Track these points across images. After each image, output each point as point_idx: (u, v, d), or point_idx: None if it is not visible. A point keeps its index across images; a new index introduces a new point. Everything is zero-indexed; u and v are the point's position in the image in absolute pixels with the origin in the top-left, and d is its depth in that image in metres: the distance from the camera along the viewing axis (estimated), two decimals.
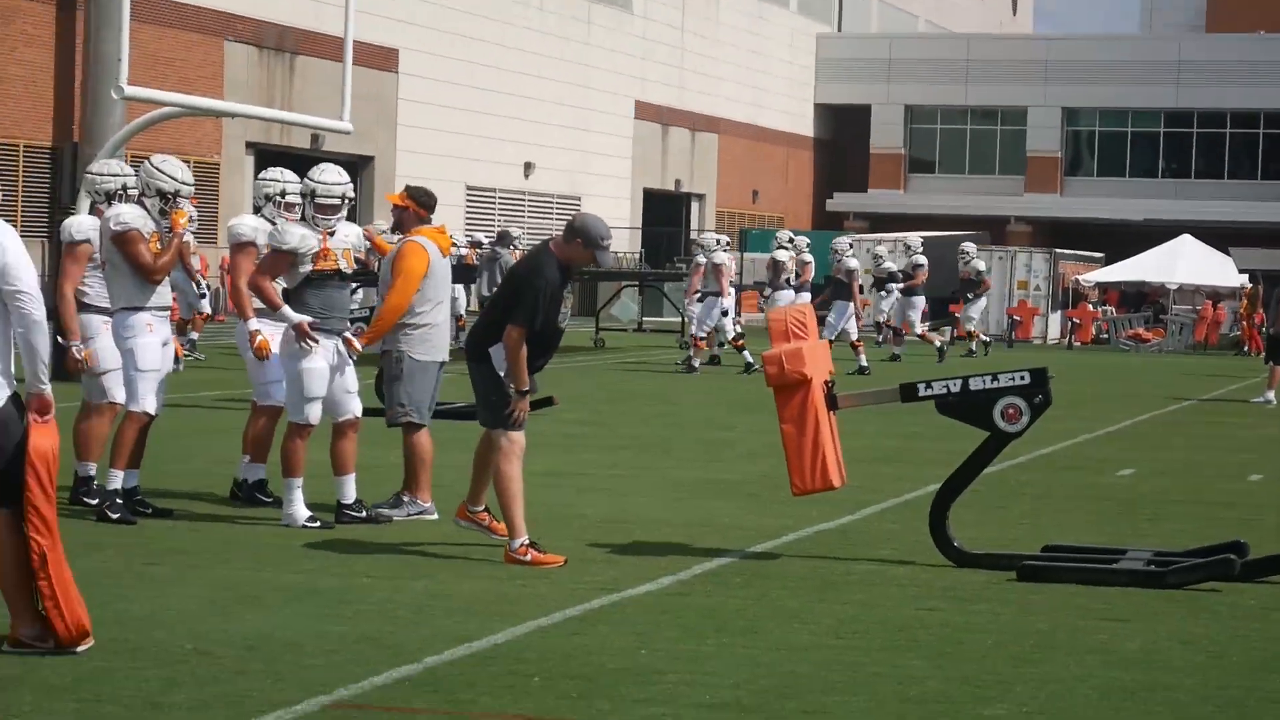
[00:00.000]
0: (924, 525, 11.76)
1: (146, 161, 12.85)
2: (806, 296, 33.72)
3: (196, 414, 20.34)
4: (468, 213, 53.13)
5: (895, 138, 75.19)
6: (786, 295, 32.24)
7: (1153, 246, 56.33)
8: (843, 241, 35.69)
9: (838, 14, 78.90)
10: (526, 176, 56.95)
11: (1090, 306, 52.32)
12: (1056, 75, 72.82)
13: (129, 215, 12.45)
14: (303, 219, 12.51)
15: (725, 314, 31.15)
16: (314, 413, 12.42)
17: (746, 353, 30.20)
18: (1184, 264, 55.25)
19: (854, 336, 33.11)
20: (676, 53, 65.76)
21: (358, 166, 49.52)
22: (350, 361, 12.57)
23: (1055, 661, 8.84)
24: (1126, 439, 21.01)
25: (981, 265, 41.79)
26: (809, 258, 34.15)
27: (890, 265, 38.24)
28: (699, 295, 30.98)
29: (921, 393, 11.68)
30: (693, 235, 65.04)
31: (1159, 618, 9.94)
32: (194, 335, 29.95)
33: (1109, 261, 57.44)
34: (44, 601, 8.24)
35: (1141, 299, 58.20)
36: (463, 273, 32.63)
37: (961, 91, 74.22)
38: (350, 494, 12.59)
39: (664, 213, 65.90)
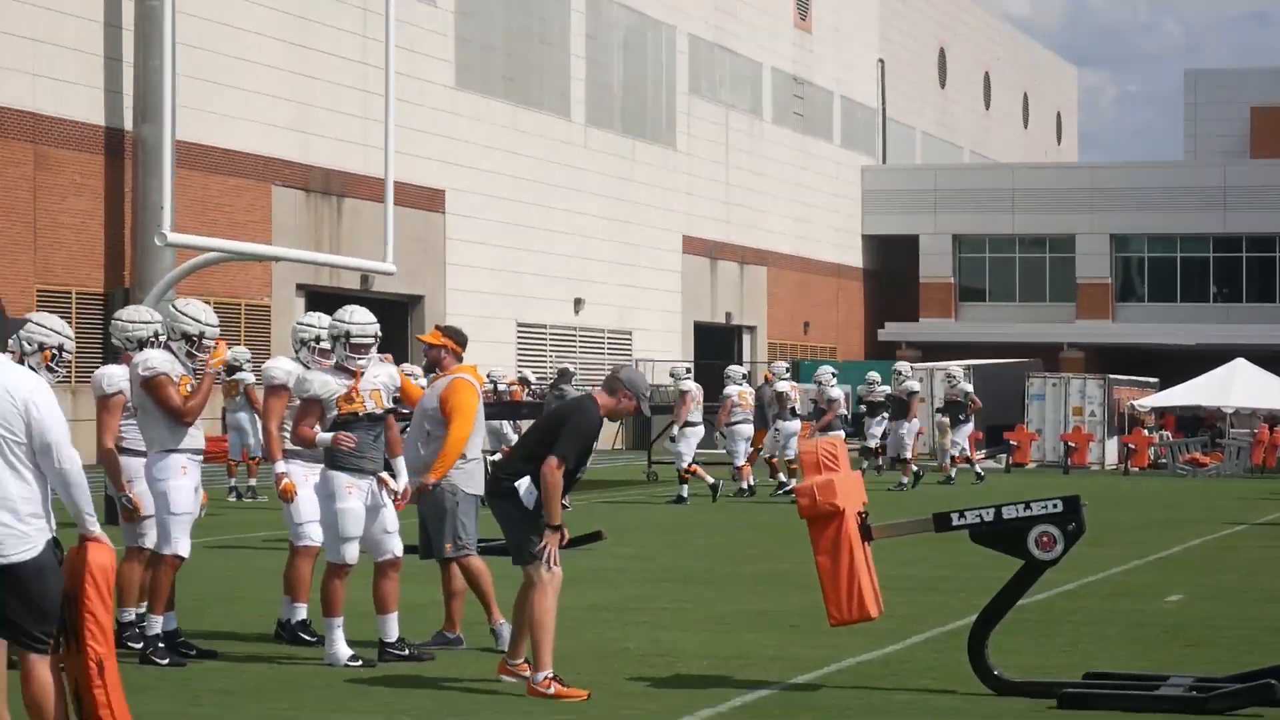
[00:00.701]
0: (966, 654, 11.75)
1: (170, 305, 13.02)
2: (839, 432, 33.98)
3: (245, 554, 20.45)
4: (519, 349, 53.41)
5: (944, 267, 75.38)
6: (791, 426, 33.16)
7: (1206, 371, 56.19)
8: (905, 365, 38.33)
9: (882, 147, 79.38)
10: (577, 312, 57.24)
11: (1145, 431, 52.13)
12: (1103, 203, 73.03)
13: (156, 360, 12.58)
14: (336, 364, 12.65)
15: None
16: (350, 553, 12.51)
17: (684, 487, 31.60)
18: (1239, 387, 55.02)
19: (908, 454, 35.95)
20: (722, 187, 66.21)
21: (408, 306, 49.92)
22: (387, 502, 12.65)
23: None
24: (1176, 564, 20.89)
25: (915, 386, 38.01)
26: (836, 393, 34.29)
27: (886, 389, 38.35)
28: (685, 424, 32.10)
29: (955, 522, 11.69)
30: (745, 368, 65.19)
31: None
32: (251, 481, 30.17)
33: (1163, 386, 57.28)
34: (99, 711, 8.32)
35: (1198, 423, 57.97)
36: (510, 409, 32.81)
37: (1009, 220, 74.45)
38: (393, 632, 12.64)
39: (715, 346, 66.10)
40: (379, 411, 12.61)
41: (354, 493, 12.43)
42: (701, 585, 17.90)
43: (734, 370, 33.88)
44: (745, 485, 32.78)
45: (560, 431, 11.21)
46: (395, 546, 12.69)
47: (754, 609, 15.91)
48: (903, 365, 38.45)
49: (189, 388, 12.62)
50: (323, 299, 47.34)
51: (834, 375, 35.37)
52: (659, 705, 10.96)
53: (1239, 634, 14.52)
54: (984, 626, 11.70)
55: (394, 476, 12.70)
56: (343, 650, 12.41)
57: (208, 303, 13.31)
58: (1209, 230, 72.61)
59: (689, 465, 31.83)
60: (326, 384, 12.48)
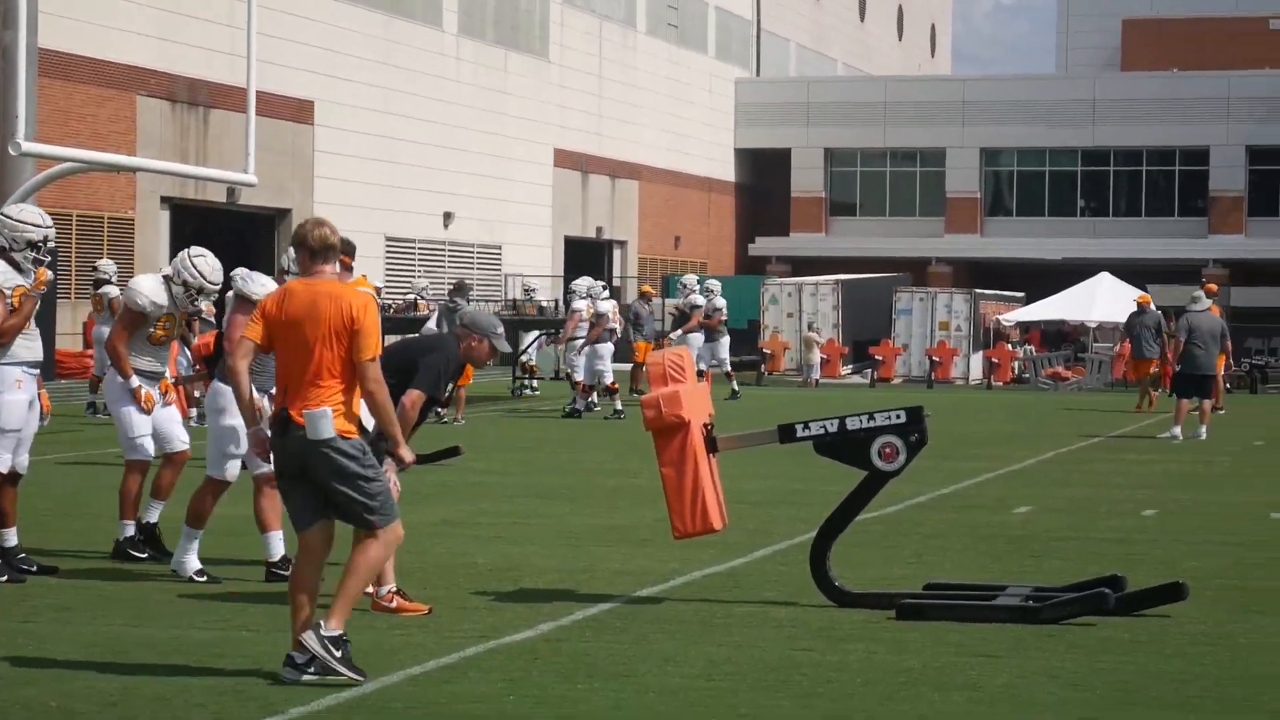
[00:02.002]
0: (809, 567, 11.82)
1: (2, 215, 12.43)
2: (698, 339, 34.94)
3: (94, 471, 20.15)
4: (387, 264, 53.07)
5: (816, 181, 75.53)
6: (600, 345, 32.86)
7: (1072, 285, 56.72)
8: (692, 278, 37.27)
9: (756, 58, 79.30)
10: (446, 226, 56.92)
11: (1010, 346, 52.62)
12: (974, 116, 73.33)
13: None
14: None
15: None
16: (231, 469, 12.53)
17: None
18: (1102, 302, 55.61)
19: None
20: (594, 99, 65.96)
21: (275, 220, 49.45)
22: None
23: (921, 699, 8.91)
24: (1028, 477, 21.13)
25: (700, 300, 36.20)
26: (700, 300, 35.36)
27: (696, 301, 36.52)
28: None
29: (799, 434, 11.74)
30: (615, 282, 65.22)
31: (1029, 653, 10.03)
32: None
33: (1029, 301, 57.80)
34: None
35: (1062, 338, 58.58)
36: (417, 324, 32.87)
37: (880, 134, 74.66)
38: (277, 551, 12.51)
39: (586, 260, 66.00)
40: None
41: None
42: (555, 500, 17.92)
43: (580, 284, 34.03)
44: (580, 405, 32.09)
45: (419, 364, 11.18)
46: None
47: (605, 523, 15.95)
48: (689, 279, 37.12)
49: (21, 300, 12.24)
50: (188, 212, 46.83)
51: (699, 282, 35.78)
52: (499, 619, 10.97)
53: (1082, 545, 14.71)
54: (825, 539, 11.78)
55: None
56: (192, 562, 12.35)
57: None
58: (1078, 144, 73.11)
59: (611, 382, 31.84)
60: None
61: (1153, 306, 36.68)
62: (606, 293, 34.70)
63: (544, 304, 34.28)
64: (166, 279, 13.00)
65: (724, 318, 36.46)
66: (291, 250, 11.81)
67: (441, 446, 12.01)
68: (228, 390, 12.01)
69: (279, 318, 9.26)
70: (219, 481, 12.50)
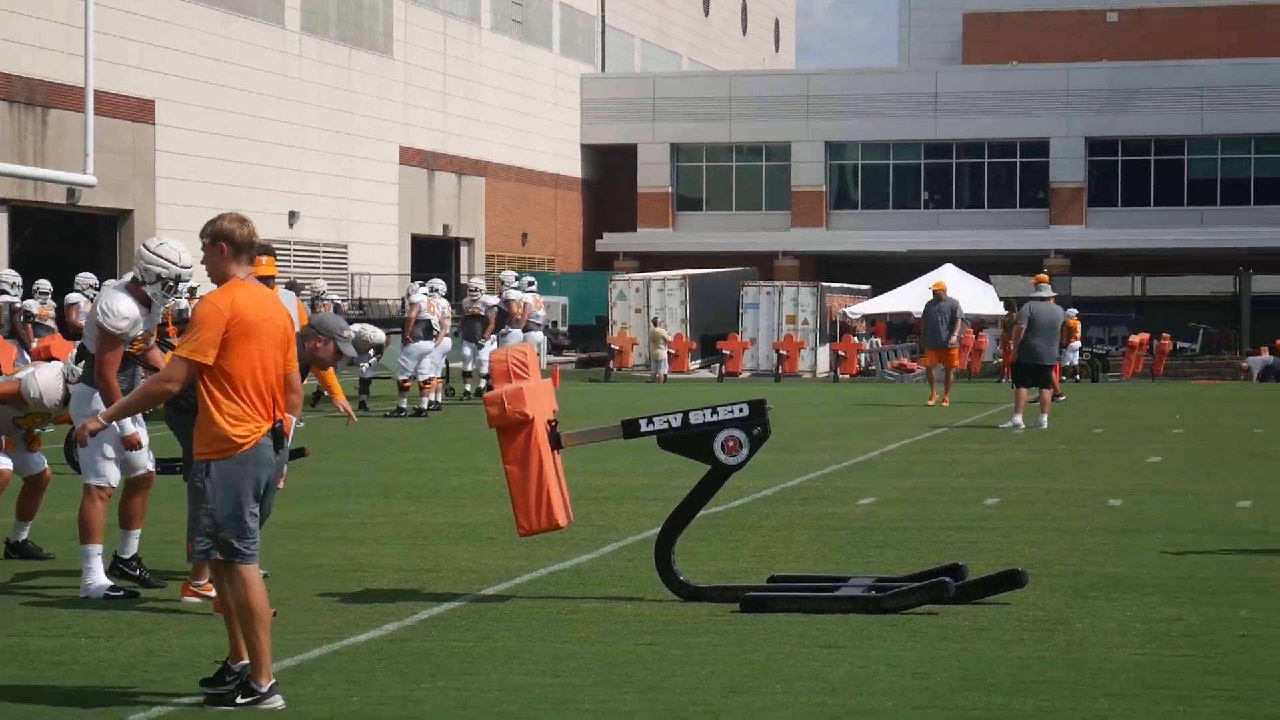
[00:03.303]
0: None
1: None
2: (536, 335, 34.53)
3: None
4: None
5: (662, 176, 75.77)
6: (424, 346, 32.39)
7: (917, 277, 57.31)
8: (509, 275, 35.97)
9: (601, 54, 79.38)
10: (291, 225, 56.53)
11: (856, 339, 53.07)
12: (818, 110, 73.86)
13: None
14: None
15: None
16: (112, 474, 12.16)
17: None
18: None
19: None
20: (440, 97, 65.74)
21: (117, 221, 48.88)
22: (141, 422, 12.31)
23: (764, 690, 8.96)
24: (872, 468, 21.31)
25: (492, 300, 34.99)
26: (515, 295, 34.55)
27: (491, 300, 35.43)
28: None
29: (643, 428, 11.77)
30: (463, 280, 65.04)
31: (872, 642, 10.12)
32: None
33: (875, 294, 58.35)
34: None
35: (907, 330, 59.17)
36: None
37: (726, 129, 75.00)
38: (130, 549, 12.31)
39: (433, 258, 65.81)
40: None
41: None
42: (400, 499, 17.85)
43: (433, 283, 34.01)
44: (425, 402, 31.88)
45: None
46: (147, 462, 12.29)
47: (451, 521, 15.91)
48: (507, 275, 35.92)
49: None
50: (28, 214, 46.18)
51: (516, 279, 35.28)
52: (343, 620, 10.91)
53: (924, 534, 14.86)
54: (670, 533, 11.81)
55: None
56: (100, 580, 11.98)
57: None
58: (921, 137, 73.82)
59: (406, 379, 31.73)
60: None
61: (949, 294, 35.68)
62: (423, 289, 34.15)
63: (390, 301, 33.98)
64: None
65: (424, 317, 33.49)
66: (147, 263, 11.66)
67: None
68: (97, 395, 11.72)
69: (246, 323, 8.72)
70: (104, 489, 12.11)
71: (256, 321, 8.71)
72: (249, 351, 8.64)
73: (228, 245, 8.88)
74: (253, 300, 8.79)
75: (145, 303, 11.76)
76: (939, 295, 35.08)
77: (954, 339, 34.62)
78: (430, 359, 32.03)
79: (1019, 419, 27.60)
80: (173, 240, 12.02)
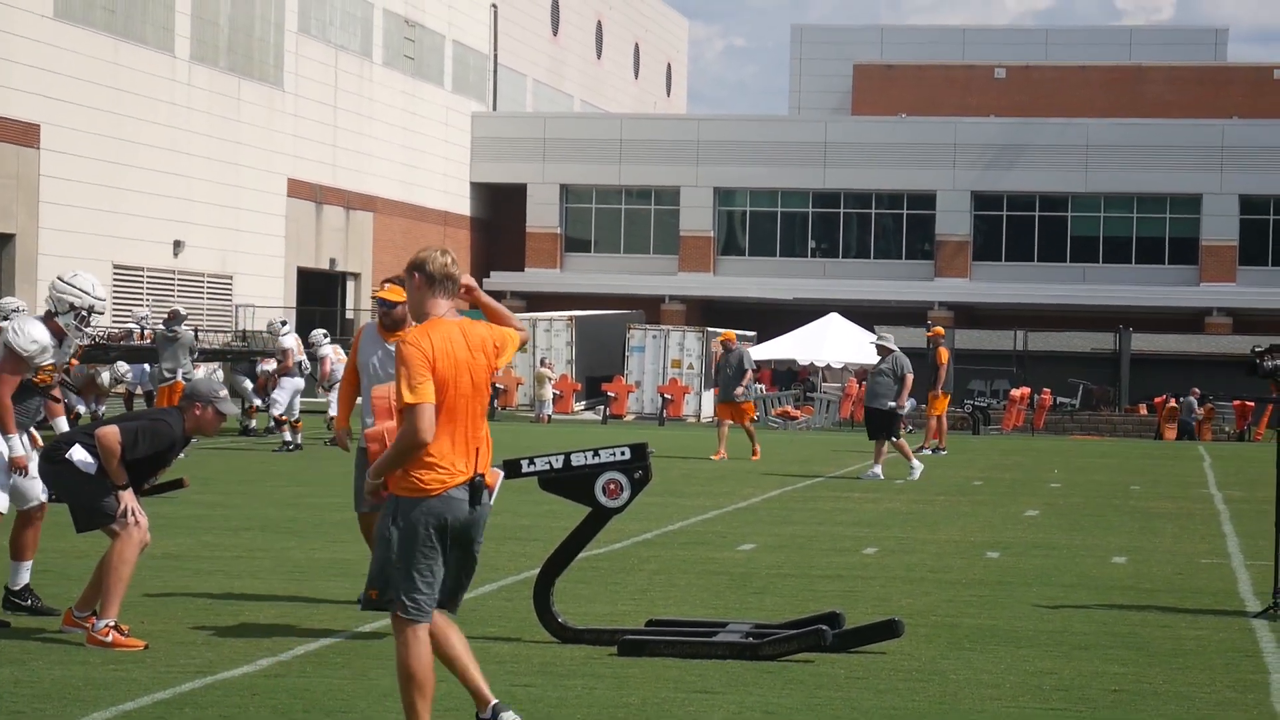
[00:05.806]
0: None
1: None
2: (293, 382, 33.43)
3: None
4: (114, 292, 52.16)
5: (551, 217, 75.79)
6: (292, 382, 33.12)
7: (803, 325, 57.63)
8: (276, 321, 35.67)
9: (493, 93, 79.40)
10: (176, 255, 56.07)
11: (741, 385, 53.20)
12: (708, 155, 74.15)
13: None
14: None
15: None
16: (3, 501, 12.09)
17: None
18: (832, 342, 56.68)
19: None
20: (329, 130, 65.51)
21: None
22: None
23: None
24: (753, 515, 21.36)
25: (289, 343, 33.94)
26: (289, 342, 33.94)
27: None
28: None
29: (525, 469, 11.74)
30: (349, 315, 64.80)
31: (748, 689, 10.14)
32: None
33: (761, 340, 58.60)
34: None
35: (792, 377, 59.47)
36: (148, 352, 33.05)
37: (616, 171, 75.17)
38: (21, 580, 12.23)
39: (319, 292, 65.51)
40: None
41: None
42: (280, 534, 17.74)
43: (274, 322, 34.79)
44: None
45: (137, 420, 11.44)
46: (40, 494, 12.17)
47: (330, 557, 15.83)
48: (274, 322, 35.61)
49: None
50: None
51: (284, 324, 34.85)
52: (217, 654, 10.82)
53: (802, 582, 14.91)
54: (549, 575, 11.80)
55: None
56: None
57: None
58: (809, 185, 74.23)
59: (281, 415, 31.86)
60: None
61: (737, 344, 33.13)
62: (288, 327, 34.52)
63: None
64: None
65: (297, 358, 33.69)
66: (60, 293, 11.85)
67: (166, 479, 11.88)
68: None
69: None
70: None
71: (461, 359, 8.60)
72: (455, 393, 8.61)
73: (419, 274, 8.56)
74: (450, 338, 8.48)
75: (59, 336, 11.99)
76: (727, 346, 32.89)
77: (740, 391, 32.57)
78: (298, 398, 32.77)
79: (878, 469, 27.67)
80: (86, 273, 12.34)
